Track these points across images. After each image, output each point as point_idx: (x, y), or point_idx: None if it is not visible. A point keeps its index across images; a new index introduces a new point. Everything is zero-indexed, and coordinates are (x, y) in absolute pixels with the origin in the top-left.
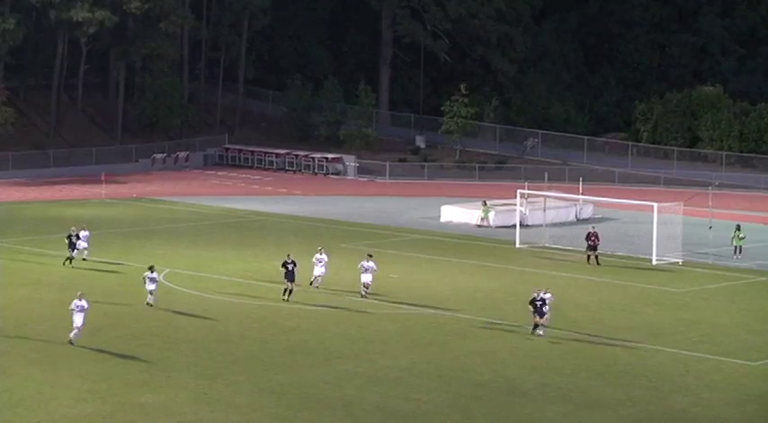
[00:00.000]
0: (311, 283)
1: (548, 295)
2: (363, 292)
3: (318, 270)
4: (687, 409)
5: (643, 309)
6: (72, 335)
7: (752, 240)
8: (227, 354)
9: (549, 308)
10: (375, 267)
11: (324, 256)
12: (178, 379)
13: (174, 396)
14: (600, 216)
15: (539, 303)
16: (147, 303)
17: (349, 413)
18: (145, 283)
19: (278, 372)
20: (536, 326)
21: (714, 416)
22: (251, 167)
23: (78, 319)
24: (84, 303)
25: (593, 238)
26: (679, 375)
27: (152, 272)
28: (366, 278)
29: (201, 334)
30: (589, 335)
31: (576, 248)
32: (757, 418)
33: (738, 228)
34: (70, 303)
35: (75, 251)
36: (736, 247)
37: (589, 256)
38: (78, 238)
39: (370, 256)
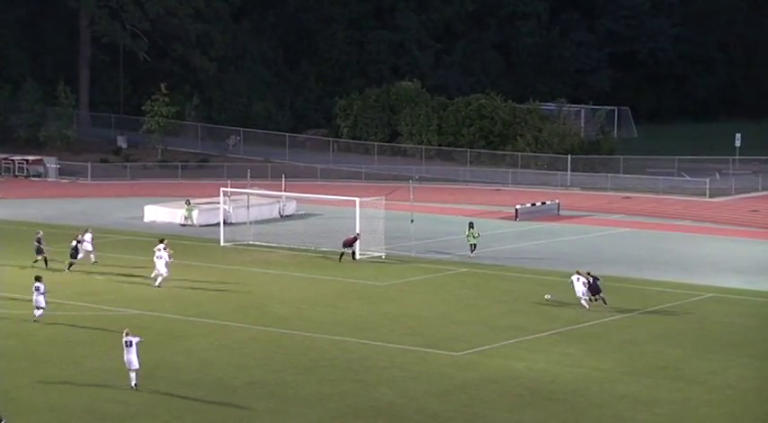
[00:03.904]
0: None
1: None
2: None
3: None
4: (393, 401)
5: (348, 303)
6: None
7: (452, 232)
8: None
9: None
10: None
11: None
12: None
13: None
14: (303, 212)
15: (591, 280)
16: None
17: (56, 417)
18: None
19: None
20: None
21: (419, 407)
22: None
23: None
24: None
25: (353, 243)
26: (384, 368)
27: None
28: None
29: None
30: (295, 331)
31: (279, 245)
32: (460, 407)
33: (471, 225)
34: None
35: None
36: (471, 245)
37: (342, 254)
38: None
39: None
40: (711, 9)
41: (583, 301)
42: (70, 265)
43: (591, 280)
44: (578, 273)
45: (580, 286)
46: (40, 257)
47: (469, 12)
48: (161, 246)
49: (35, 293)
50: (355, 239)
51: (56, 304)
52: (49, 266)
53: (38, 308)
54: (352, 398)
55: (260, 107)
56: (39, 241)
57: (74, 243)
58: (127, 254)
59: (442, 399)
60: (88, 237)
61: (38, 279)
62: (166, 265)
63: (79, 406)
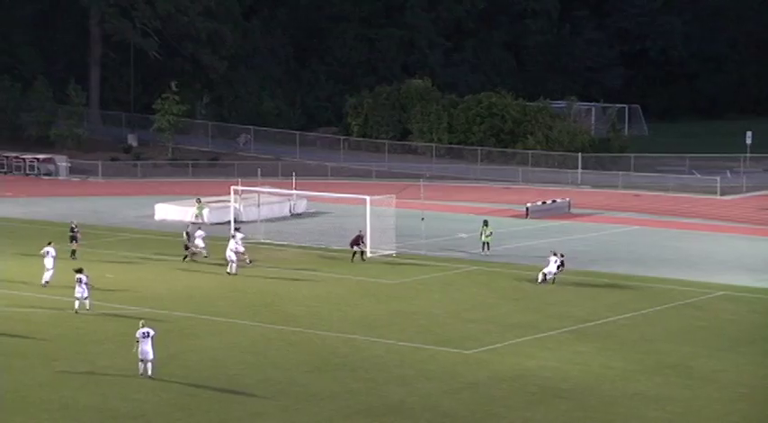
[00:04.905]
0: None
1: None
2: None
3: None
4: (404, 399)
5: (359, 301)
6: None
7: (462, 230)
8: None
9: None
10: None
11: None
12: None
13: None
14: (314, 210)
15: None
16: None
17: (67, 415)
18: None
19: None
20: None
21: (430, 405)
22: None
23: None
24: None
25: (359, 241)
26: (395, 366)
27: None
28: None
29: None
30: (306, 329)
31: (290, 243)
32: (471, 405)
33: (486, 223)
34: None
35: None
36: (484, 243)
37: (354, 254)
38: None
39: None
40: (722, 6)
41: (540, 278)
42: (185, 257)
43: (561, 261)
44: (554, 253)
45: (553, 266)
46: (76, 245)
47: (480, 10)
48: (239, 235)
49: (77, 285)
50: (360, 238)
51: (66, 302)
52: (75, 257)
53: (83, 298)
54: (363, 396)
55: (270, 105)
56: (72, 230)
57: (185, 235)
58: (137, 252)
59: (453, 397)
60: (200, 233)
61: (79, 271)
62: (236, 253)
63: (91, 404)
